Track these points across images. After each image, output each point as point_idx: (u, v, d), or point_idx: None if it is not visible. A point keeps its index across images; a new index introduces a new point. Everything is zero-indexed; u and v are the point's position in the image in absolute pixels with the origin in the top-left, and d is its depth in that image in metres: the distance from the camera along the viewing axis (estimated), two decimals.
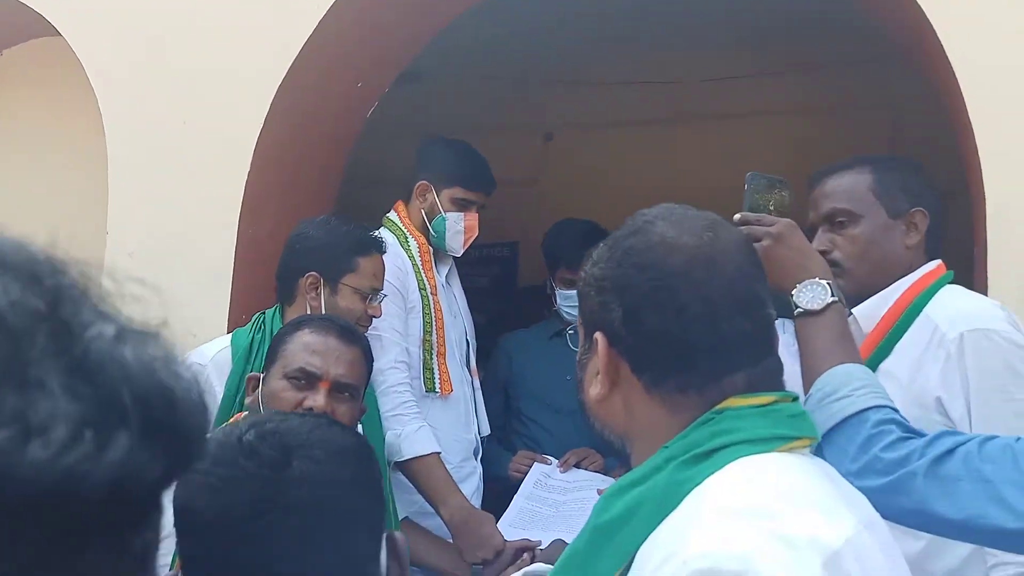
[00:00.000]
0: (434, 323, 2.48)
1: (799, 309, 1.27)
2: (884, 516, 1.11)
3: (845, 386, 1.19)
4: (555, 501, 2.44)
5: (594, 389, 0.92)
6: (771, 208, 1.36)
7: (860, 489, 1.11)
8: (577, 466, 2.57)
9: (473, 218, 2.56)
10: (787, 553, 0.75)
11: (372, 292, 2.12)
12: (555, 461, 2.58)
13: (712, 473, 0.82)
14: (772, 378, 0.92)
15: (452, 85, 4.07)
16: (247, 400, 1.73)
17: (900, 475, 1.11)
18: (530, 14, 3.46)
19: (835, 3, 2.43)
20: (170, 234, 2.65)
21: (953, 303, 1.57)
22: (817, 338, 1.25)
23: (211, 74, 2.68)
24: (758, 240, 1.27)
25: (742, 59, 3.78)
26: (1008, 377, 1.45)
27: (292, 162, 2.74)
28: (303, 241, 2.14)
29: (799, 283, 1.27)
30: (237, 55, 2.66)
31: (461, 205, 2.54)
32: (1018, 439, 1.09)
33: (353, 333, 1.76)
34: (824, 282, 1.27)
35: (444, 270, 2.64)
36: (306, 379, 1.63)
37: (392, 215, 2.59)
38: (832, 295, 1.26)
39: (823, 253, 1.63)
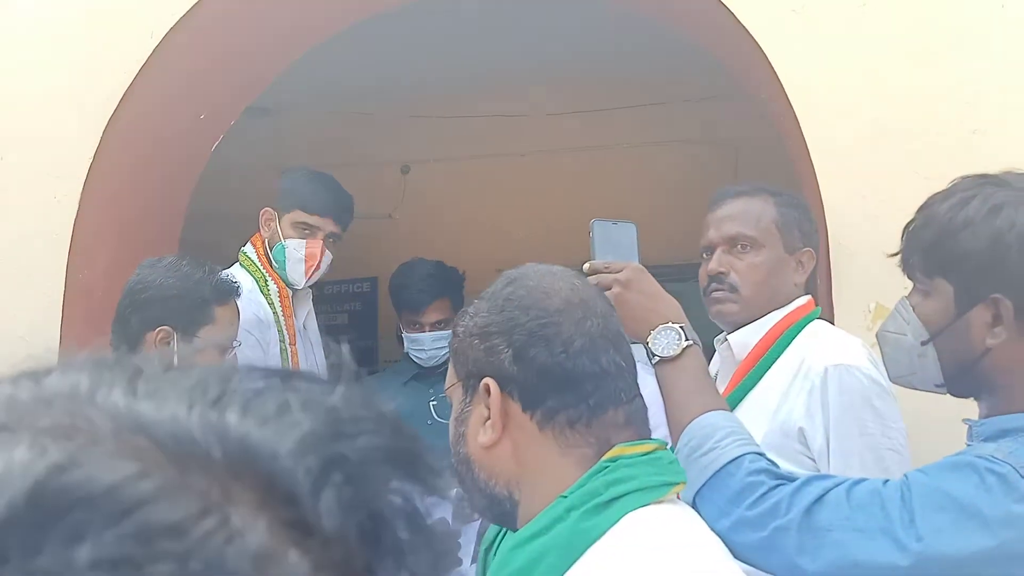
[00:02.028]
0: None
1: (656, 358, 1.26)
2: (758, 567, 1.14)
3: (710, 438, 1.19)
4: None
5: (483, 436, 0.93)
6: (617, 252, 1.35)
7: (735, 545, 1.11)
8: None
9: (316, 245, 2.34)
10: None
11: (229, 343, 1.97)
12: None
13: (615, 521, 0.86)
14: (644, 417, 0.97)
15: (306, 119, 3.96)
16: None
17: (772, 530, 1.11)
18: (385, 48, 3.41)
19: (683, 42, 2.52)
20: None
21: (820, 338, 1.62)
22: (677, 385, 1.24)
23: (33, 104, 2.45)
24: (608, 288, 1.27)
25: (595, 94, 3.87)
26: (866, 412, 1.50)
27: (128, 199, 2.54)
28: (150, 290, 1.92)
29: (653, 329, 1.26)
30: (63, 83, 2.45)
31: (302, 231, 2.35)
32: (885, 483, 1.10)
33: None
34: (677, 326, 1.27)
35: (303, 314, 2.48)
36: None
37: (248, 250, 2.40)
38: (686, 339, 1.26)
39: (720, 274, 1.69)
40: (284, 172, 2.52)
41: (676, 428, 1.24)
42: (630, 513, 0.87)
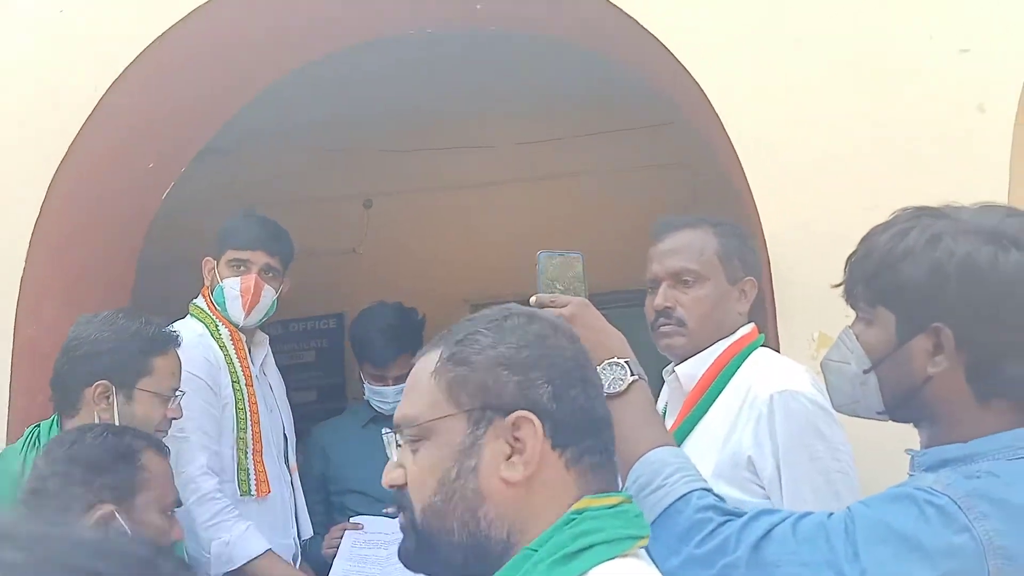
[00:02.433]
0: (248, 419, 2.31)
1: (604, 392, 1.27)
2: None
3: (658, 475, 1.20)
4: (378, 557, 2.32)
5: (510, 471, 0.89)
6: (560, 287, 1.36)
7: None
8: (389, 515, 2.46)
9: (250, 279, 2.33)
10: None
11: (171, 393, 1.95)
12: (365, 519, 2.44)
13: (583, 572, 0.85)
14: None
15: (265, 156, 3.95)
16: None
17: (722, 567, 1.10)
18: (342, 83, 3.42)
19: (633, 73, 2.54)
20: None
21: (765, 366, 1.64)
22: (625, 421, 1.24)
23: None
24: None
25: (554, 123, 3.89)
26: (813, 437, 1.52)
27: (77, 252, 2.52)
28: (85, 346, 1.92)
29: (599, 365, 1.26)
30: (6, 137, 2.43)
31: (235, 268, 2.35)
32: (829, 515, 1.11)
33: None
34: (623, 361, 1.28)
35: (260, 357, 2.47)
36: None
37: (199, 301, 2.42)
38: (632, 373, 1.27)
39: (666, 309, 1.71)
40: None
41: (625, 465, 1.24)
42: (597, 567, 0.86)
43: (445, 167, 4.07)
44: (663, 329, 1.72)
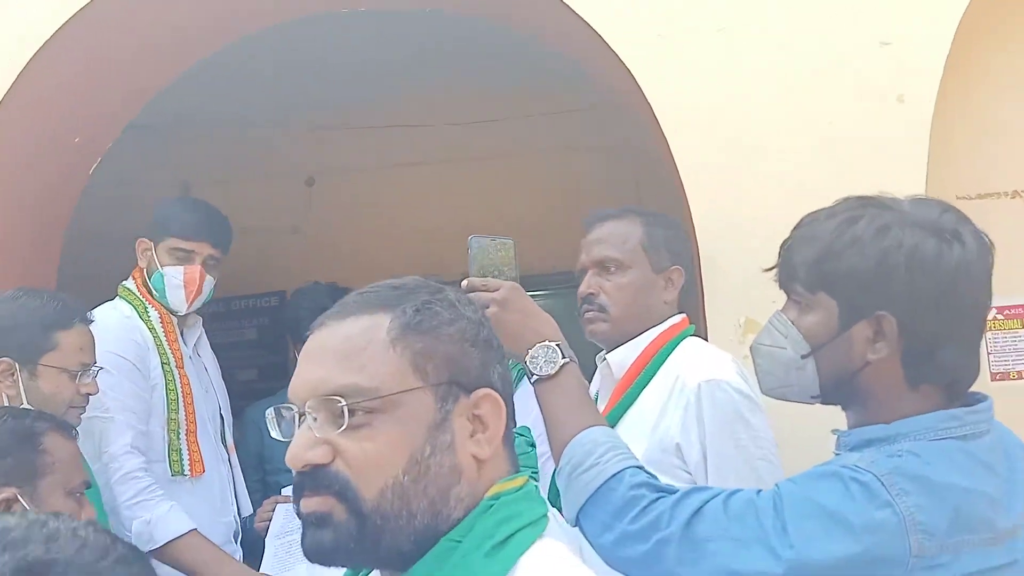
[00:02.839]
0: (180, 400, 2.29)
1: (534, 376, 1.29)
2: None
3: (591, 455, 1.21)
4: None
5: (478, 448, 0.86)
6: (495, 269, 1.37)
7: (618, 560, 1.16)
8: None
9: (194, 271, 2.32)
10: None
11: (82, 368, 1.91)
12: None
13: (514, 560, 0.82)
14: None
15: (202, 134, 3.87)
16: None
17: (655, 542, 1.14)
18: (280, 60, 3.36)
19: (569, 56, 2.54)
20: None
21: (693, 355, 1.68)
22: (557, 403, 1.27)
23: None
24: (485, 307, 1.29)
25: (500, 102, 3.87)
26: (738, 425, 1.56)
27: (1, 228, 2.45)
28: None
29: (530, 348, 1.29)
30: None
31: (179, 257, 2.32)
32: (759, 493, 1.14)
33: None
34: (554, 344, 1.29)
35: (192, 338, 2.45)
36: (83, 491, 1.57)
37: (129, 283, 2.38)
38: (563, 356, 1.29)
39: (590, 296, 1.74)
40: (156, 201, 2.47)
41: (557, 446, 1.26)
42: (526, 552, 0.83)
43: (386, 146, 4.04)
44: (587, 315, 1.76)
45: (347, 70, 3.55)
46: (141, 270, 2.37)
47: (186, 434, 2.28)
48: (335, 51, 3.38)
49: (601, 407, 1.73)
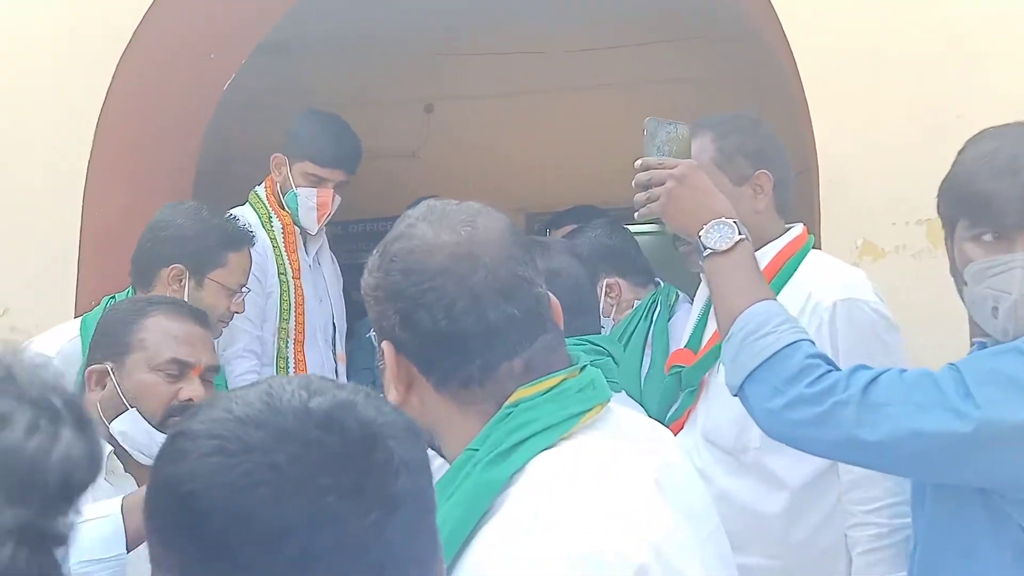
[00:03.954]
0: (292, 309, 2.40)
1: (708, 250, 1.29)
2: (808, 450, 1.24)
3: (767, 323, 1.23)
4: None
5: (391, 394, 0.93)
6: (671, 151, 1.37)
7: (787, 422, 1.19)
8: None
9: (327, 194, 2.43)
10: (596, 572, 0.78)
11: (238, 289, 2.06)
12: None
13: (519, 467, 0.85)
14: (552, 354, 0.93)
15: (326, 56, 3.96)
16: (91, 396, 1.54)
17: (830, 405, 1.17)
18: None
19: None
20: (8, 219, 2.50)
21: (825, 271, 1.62)
22: (729, 277, 1.28)
23: (43, 43, 2.51)
24: (661, 183, 1.31)
25: (614, 31, 3.79)
26: (875, 346, 1.52)
27: (140, 141, 2.61)
28: (169, 229, 2.03)
29: (705, 224, 1.29)
30: (72, 22, 2.50)
31: (313, 181, 2.43)
32: (937, 370, 1.17)
33: (204, 315, 1.68)
34: (730, 221, 1.29)
35: (314, 248, 2.55)
36: (179, 369, 1.54)
37: (259, 189, 2.50)
38: (740, 233, 1.29)
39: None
40: (294, 117, 2.55)
41: (726, 317, 1.27)
42: (536, 457, 0.85)
43: (507, 73, 4.02)
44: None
45: None
46: (274, 181, 2.48)
47: (295, 343, 2.39)
48: None
49: (714, 325, 1.71)
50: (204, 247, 2.01)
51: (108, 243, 2.45)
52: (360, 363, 2.81)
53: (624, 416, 0.97)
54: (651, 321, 2.22)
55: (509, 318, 0.90)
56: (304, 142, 2.44)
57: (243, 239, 2.08)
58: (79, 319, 2.04)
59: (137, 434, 1.48)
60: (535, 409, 0.88)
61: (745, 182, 1.65)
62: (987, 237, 1.20)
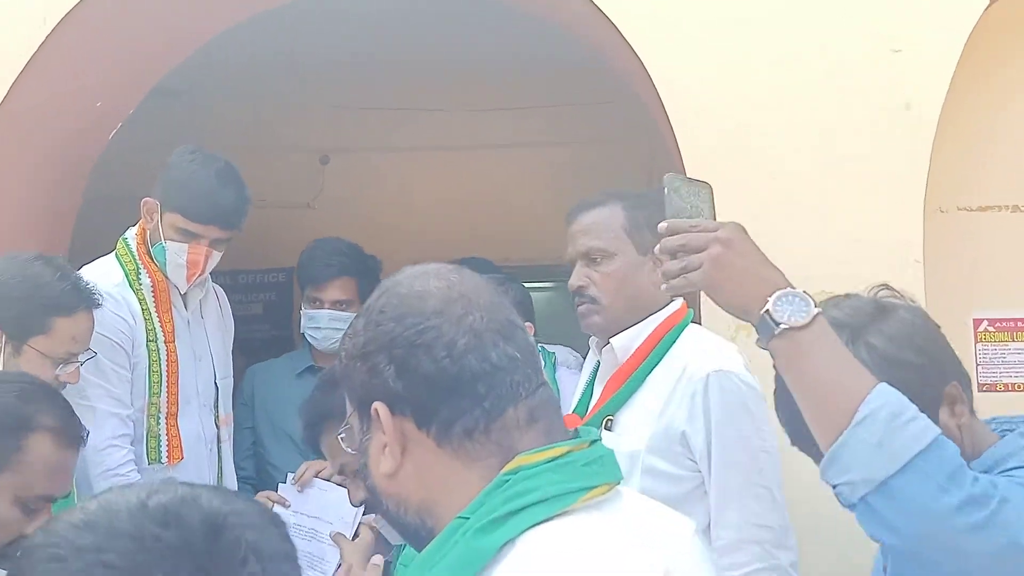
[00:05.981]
0: (164, 380, 2.13)
1: (781, 326, 1.10)
2: (960, 563, 1.05)
3: (908, 406, 1.06)
4: (310, 529, 2.12)
5: (384, 465, 0.86)
6: (701, 212, 1.22)
7: (954, 527, 1.02)
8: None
9: (199, 252, 2.13)
10: None
11: (67, 357, 1.82)
12: (287, 482, 2.09)
13: (510, 538, 0.79)
14: (553, 409, 0.89)
15: (222, 103, 3.91)
16: None
17: (996, 505, 1.03)
18: (299, 34, 3.40)
19: (589, 47, 2.58)
20: None
21: (699, 344, 1.69)
22: (817, 355, 1.10)
23: None
24: (700, 249, 1.15)
25: (509, 92, 3.91)
26: (744, 417, 1.59)
27: (18, 190, 2.50)
28: None
29: (768, 297, 1.11)
30: None
31: (185, 236, 2.13)
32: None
33: (81, 438, 1.44)
34: (801, 291, 1.12)
35: (196, 299, 2.27)
36: (42, 504, 1.36)
37: (130, 237, 2.20)
38: (815, 305, 1.12)
39: (581, 288, 1.73)
40: (168, 161, 2.24)
41: (838, 397, 1.07)
42: (529, 531, 0.79)
43: (400, 129, 4.08)
44: (580, 309, 1.74)
45: (362, 46, 3.58)
46: (145, 229, 2.18)
47: (166, 417, 2.14)
48: (351, 26, 3.40)
49: (599, 390, 1.76)
50: (25, 311, 1.77)
51: None
52: (242, 412, 2.57)
53: (634, 500, 0.90)
54: None
55: (511, 359, 0.85)
56: (175, 190, 2.12)
57: (78, 300, 1.82)
58: None
59: None
60: (535, 478, 0.81)
61: (647, 254, 1.69)
62: None
